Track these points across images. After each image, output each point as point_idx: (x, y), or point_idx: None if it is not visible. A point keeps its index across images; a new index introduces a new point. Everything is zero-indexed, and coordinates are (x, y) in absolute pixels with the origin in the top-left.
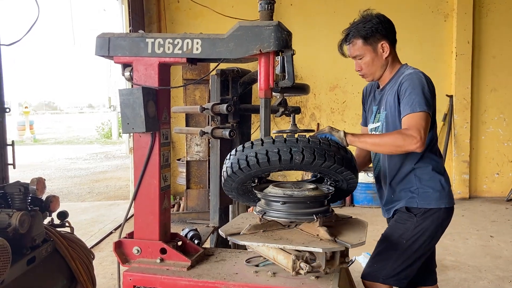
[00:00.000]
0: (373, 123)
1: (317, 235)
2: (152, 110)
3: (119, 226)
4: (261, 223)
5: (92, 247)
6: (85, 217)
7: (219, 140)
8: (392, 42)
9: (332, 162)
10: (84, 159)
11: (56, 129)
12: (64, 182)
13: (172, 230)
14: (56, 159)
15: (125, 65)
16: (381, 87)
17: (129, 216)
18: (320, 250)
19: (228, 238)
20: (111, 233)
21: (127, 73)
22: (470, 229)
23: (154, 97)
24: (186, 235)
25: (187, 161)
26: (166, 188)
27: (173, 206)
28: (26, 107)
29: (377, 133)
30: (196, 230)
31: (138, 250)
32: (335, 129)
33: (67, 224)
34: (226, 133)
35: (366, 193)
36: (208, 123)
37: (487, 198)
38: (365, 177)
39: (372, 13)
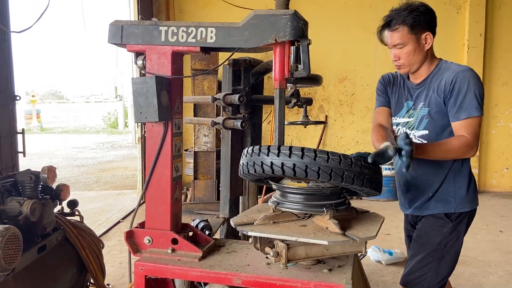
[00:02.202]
0: (403, 117)
1: (327, 228)
2: (165, 99)
3: (127, 215)
4: (274, 214)
5: (100, 236)
6: (93, 206)
7: (230, 131)
8: (434, 35)
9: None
10: (91, 148)
11: (63, 118)
12: (71, 171)
13: (182, 221)
14: (63, 148)
15: (138, 54)
16: (417, 81)
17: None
18: (326, 243)
19: (238, 228)
20: (118, 222)
21: (139, 62)
22: (479, 223)
23: (167, 86)
24: (197, 226)
25: (194, 151)
26: (177, 178)
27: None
28: (33, 96)
29: (404, 128)
30: (206, 221)
31: (149, 240)
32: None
33: (76, 213)
34: (238, 124)
35: None
36: (216, 113)
37: (496, 193)
38: None
39: (415, 1)
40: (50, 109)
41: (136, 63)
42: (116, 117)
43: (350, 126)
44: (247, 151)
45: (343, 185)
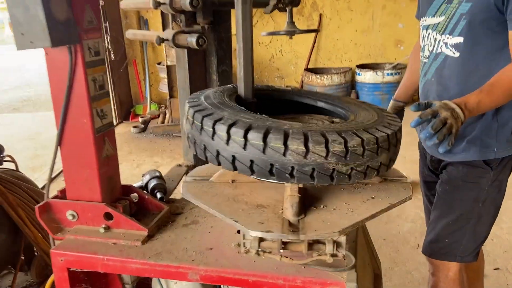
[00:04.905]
0: (433, 16)
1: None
2: (61, 9)
3: None
4: None
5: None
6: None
7: (186, 50)
8: None
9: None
10: None
11: None
12: (44, 88)
13: (157, 145)
14: (39, 60)
15: None
16: None
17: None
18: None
19: (183, 192)
20: None
21: None
22: None
23: None
24: (146, 186)
25: (167, 65)
26: (105, 128)
27: (158, 116)
28: (1, 2)
29: (434, 33)
30: (160, 177)
31: (73, 216)
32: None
33: (8, 158)
34: (192, 40)
35: (373, 95)
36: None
37: None
38: (373, 77)
39: None
40: None
41: None
42: None
43: (347, 26)
44: (188, 110)
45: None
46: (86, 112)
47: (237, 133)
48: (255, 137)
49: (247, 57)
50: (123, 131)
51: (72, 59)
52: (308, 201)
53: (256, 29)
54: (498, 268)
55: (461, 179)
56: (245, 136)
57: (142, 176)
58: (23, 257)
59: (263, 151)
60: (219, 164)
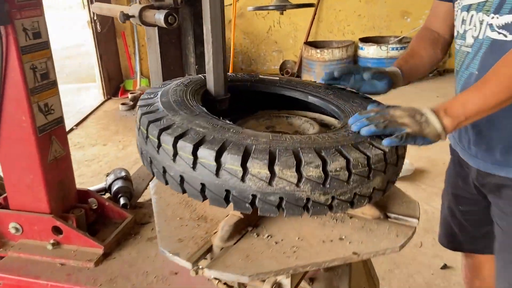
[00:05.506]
0: None
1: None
2: None
3: (85, 119)
4: None
5: None
6: None
7: (156, 28)
8: None
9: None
10: (60, 27)
11: None
12: None
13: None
14: None
15: None
16: None
17: None
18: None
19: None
20: (71, 130)
21: None
22: None
23: None
24: (109, 188)
25: None
26: (52, 125)
27: None
28: None
29: (480, 14)
30: (126, 178)
31: (17, 229)
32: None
33: None
34: (160, 17)
35: None
36: None
37: None
38: (377, 51)
39: None
40: None
41: None
42: None
43: None
44: (137, 111)
45: None
46: (24, 108)
47: (184, 148)
48: (206, 154)
49: (217, 41)
50: (111, 108)
51: (3, 44)
52: (256, 224)
53: (253, 1)
54: None
55: None
56: (194, 153)
57: (106, 175)
58: None
59: (216, 174)
60: (166, 183)
